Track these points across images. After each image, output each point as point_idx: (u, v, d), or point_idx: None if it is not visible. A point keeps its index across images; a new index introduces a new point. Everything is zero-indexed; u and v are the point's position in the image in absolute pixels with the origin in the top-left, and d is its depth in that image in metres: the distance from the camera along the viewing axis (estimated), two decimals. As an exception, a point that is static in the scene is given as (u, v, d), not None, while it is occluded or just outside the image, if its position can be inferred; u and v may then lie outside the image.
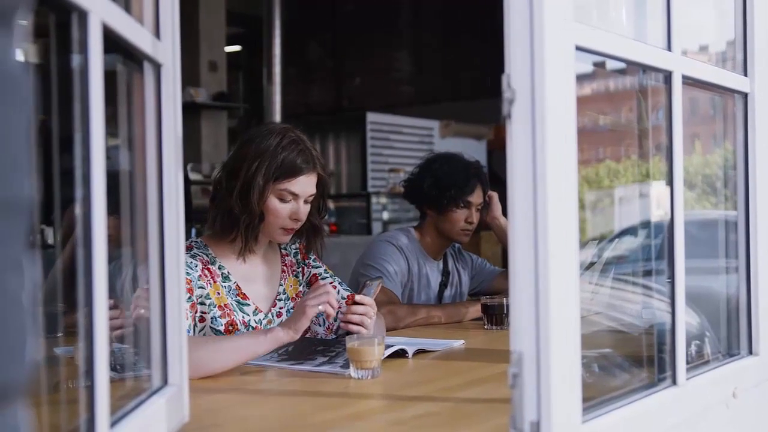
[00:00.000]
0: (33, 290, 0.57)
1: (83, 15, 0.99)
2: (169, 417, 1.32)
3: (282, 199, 2.19)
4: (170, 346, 1.37)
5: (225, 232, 2.23)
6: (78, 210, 1.01)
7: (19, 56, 0.57)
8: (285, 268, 2.37)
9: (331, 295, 1.99)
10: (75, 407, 1.11)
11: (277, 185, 2.18)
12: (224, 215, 2.21)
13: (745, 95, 1.81)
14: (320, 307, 1.96)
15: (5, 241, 0.54)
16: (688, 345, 1.63)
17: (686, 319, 1.56)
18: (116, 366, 1.35)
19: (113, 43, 1.12)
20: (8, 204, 0.54)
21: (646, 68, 1.55)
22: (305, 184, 2.21)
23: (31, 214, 0.57)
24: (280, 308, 2.31)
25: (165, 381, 1.36)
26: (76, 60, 1.02)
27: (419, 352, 2.18)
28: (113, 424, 1.09)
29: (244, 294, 2.23)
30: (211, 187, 2.31)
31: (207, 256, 2.22)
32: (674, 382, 1.50)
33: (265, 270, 2.32)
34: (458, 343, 2.35)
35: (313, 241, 2.36)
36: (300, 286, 2.38)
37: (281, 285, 2.34)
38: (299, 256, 2.42)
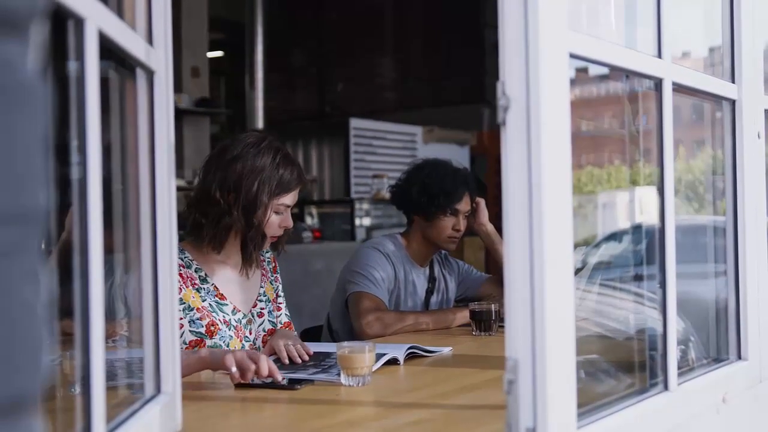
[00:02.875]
0: (47, 301, 0.57)
1: (80, 22, 0.99)
2: (162, 425, 1.31)
3: (277, 212, 2.29)
4: (163, 354, 1.36)
5: (218, 245, 2.27)
6: (74, 217, 1.01)
7: (34, 65, 0.57)
8: (264, 271, 2.46)
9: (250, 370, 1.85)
10: (67, 416, 1.10)
11: (276, 201, 2.27)
12: (224, 231, 2.26)
13: (733, 102, 1.82)
14: (233, 369, 1.82)
15: (21, 251, 0.54)
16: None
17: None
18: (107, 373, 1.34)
19: (106, 49, 1.11)
20: (24, 214, 0.54)
21: (637, 75, 1.56)
22: (296, 195, 2.34)
23: (46, 224, 0.57)
24: (261, 308, 2.40)
25: (158, 389, 1.36)
26: (71, 66, 1.01)
27: (411, 357, 2.18)
28: (108, 433, 1.08)
29: (222, 294, 2.29)
30: (195, 195, 2.31)
31: (182, 259, 2.25)
32: (666, 387, 1.51)
33: (243, 273, 2.37)
34: (447, 350, 2.35)
35: (281, 237, 2.40)
36: (274, 292, 2.48)
37: (262, 287, 2.42)
38: (271, 266, 2.51)
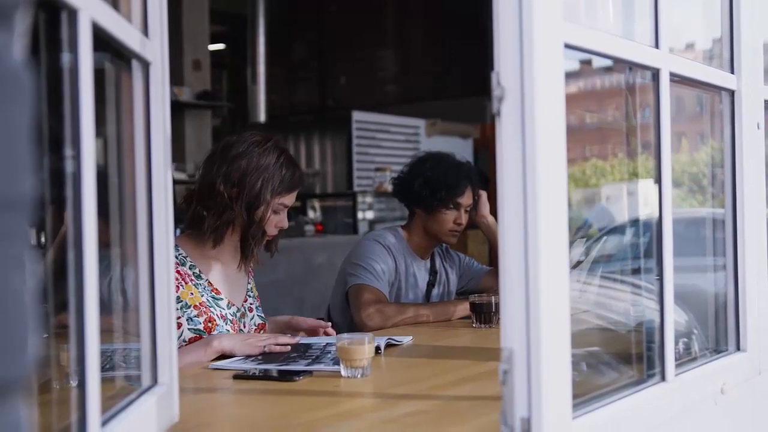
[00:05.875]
0: (33, 287, 0.57)
1: (73, 13, 0.99)
2: (159, 416, 1.32)
3: (275, 212, 2.33)
4: (160, 345, 1.37)
5: (218, 239, 2.27)
6: (68, 210, 1.01)
7: (19, 53, 0.57)
8: (250, 270, 2.50)
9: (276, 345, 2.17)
10: (64, 407, 1.10)
11: (277, 200, 2.31)
12: (225, 225, 2.29)
13: (732, 92, 1.82)
14: (266, 349, 2.14)
15: (8, 238, 0.55)
16: (676, 342, 1.64)
17: (674, 317, 1.57)
18: (104, 365, 1.35)
19: (101, 41, 1.11)
20: (11, 201, 0.55)
21: (634, 65, 1.55)
22: (294, 197, 2.39)
23: (30, 211, 0.57)
24: (250, 304, 2.45)
25: (155, 380, 1.36)
26: (65, 58, 1.01)
27: (389, 346, 2.23)
28: (104, 423, 1.09)
29: (217, 289, 2.33)
30: (198, 188, 2.32)
31: (176, 257, 2.26)
32: (663, 378, 1.51)
33: (235, 269, 2.41)
34: (407, 339, 2.39)
35: (275, 238, 2.43)
36: (256, 290, 2.53)
37: (249, 284, 2.48)
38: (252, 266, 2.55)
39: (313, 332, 2.44)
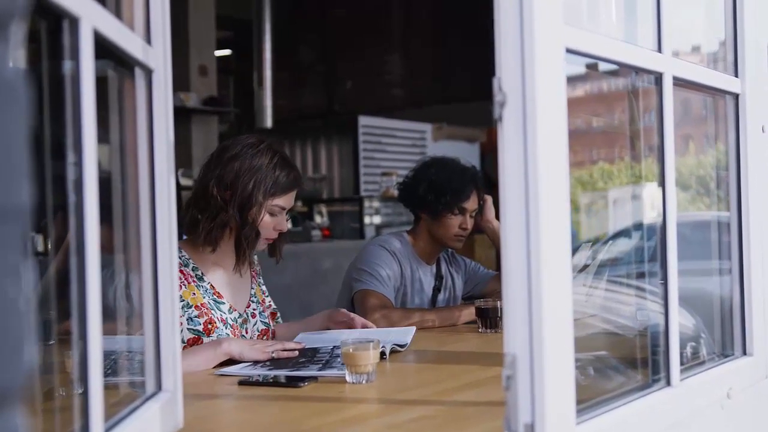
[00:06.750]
0: (30, 296, 0.57)
1: (74, 21, 0.99)
2: (163, 423, 1.32)
3: (271, 214, 2.32)
4: (164, 352, 1.37)
5: (213, 242, 2.29)
6: (70, 217, 1.01)
7: (16, 63, 0.57)
8: (254, 274, 2.50)
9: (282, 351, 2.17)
10: (68, 414, 1.11)
11: (271, 201, 2.30)
12: (220, 228, 2.28)
13: (736, 96, 1.81)
14: (273, 354, 2.13)
15: (3, 247, 0.55)
16: (684, 347, 1.63)
17: (681, 321, 1.56)
18: (108, 371, 1.35)
19: (104, 48, 1.11)
20: (6, 210, 0.55)
21: (636, 70, 1.55)
22: (292, 198, 2.37)
23: (28, 220, 0.58)
24: (254, 309, 2.45)
25: (159, 387, 1.36)
26: (67, 66, 1.02)
27: (393, 352, 2.22)
28: (107, 430, 1.09)
29: (219, 293, 2.33)
30: (194, 192, 2.35)
31: (180, 258, 2.27)
32: (668, 382, 1.51)
33: (238, 274, 2.41)
34: (411, 331, 2.42)
35: (278, 243, 2.43)
36: (263, 294, 2.53)
37: (252, 288, 2.47)
38: (259, 270, 2.56)
39: (348, 326, 2.46)
